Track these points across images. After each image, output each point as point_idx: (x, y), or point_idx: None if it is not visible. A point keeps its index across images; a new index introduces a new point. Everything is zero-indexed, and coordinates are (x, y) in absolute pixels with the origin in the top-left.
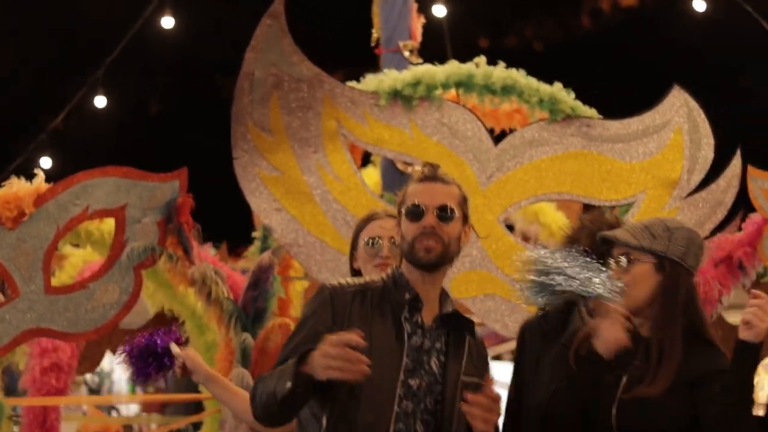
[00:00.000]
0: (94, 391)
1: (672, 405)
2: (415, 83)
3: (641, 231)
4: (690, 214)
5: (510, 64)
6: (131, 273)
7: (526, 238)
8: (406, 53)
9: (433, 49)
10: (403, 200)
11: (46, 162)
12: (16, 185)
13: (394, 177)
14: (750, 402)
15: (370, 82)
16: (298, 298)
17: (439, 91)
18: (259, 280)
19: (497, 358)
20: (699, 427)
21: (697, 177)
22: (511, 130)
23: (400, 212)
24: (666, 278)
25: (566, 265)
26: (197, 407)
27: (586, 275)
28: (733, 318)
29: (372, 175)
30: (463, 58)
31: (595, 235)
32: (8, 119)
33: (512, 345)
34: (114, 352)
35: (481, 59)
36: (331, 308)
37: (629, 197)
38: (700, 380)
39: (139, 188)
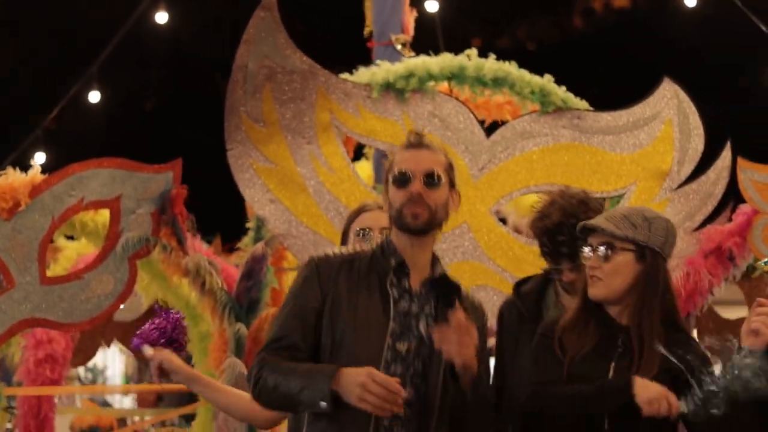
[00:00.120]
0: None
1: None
2: (408, 75)
3: (621, 220)
4: (680, 205)
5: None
6: (126, 263)
7: (518, 231)
8: (399, 47)
9: (425, 42)
10: (390, 168)
11: (40, 157)
12: (12, 176)
13: None
14: (750, 406)
15: (363, 74)
16: None
17: (431, 84)
18: (253, 271)
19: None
20: (685, 418)
21: (688, 169)
22: (503, 122)
23: (387, 180)
24: (647, 268)
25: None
26: (191, 398)
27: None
28: (726, 315)
29: (365, 169)
30: (456, 52)
31: (564, 210)
32: (2, 115)
33: None
34: (108, 344)
35: (473, 51)
36: (317, 280)
37: (620, 189)
38: (681, 370)
39: (133, 179)
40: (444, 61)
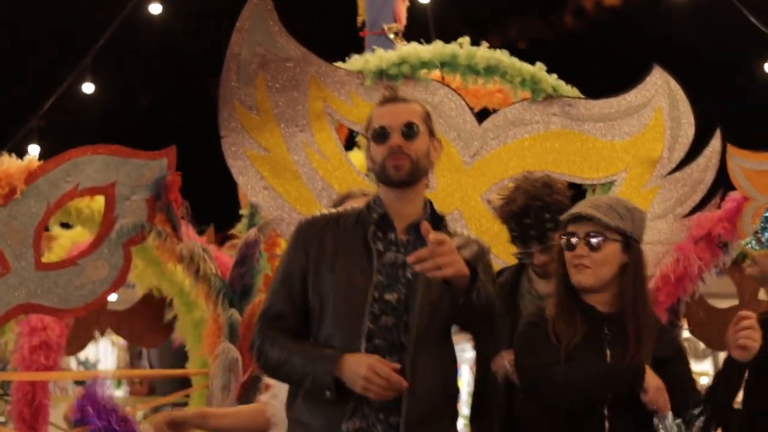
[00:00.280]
0: (80, 381)
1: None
2: (400, 63)
3: (609, 210)
4: (670, 192)
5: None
6: (120, 250)
7: None
8: (391, 36)
9: (417, 32)
10: (368, 125)
11: (34, 149)
12: (8, 163)
13: None
14: (732, 405)
15: (355, 62)
16: None
17: (423, 71)
18: (246, 257)
19: None
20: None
21: (678, 156)
22: (493, 110)
23: (367, 138)
24: (633, 258)
25: None
26: (184, 384)
27: None
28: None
29: (358, 158)
30: (448, 41)
31: (529, 193)
32: None
33: None
34: (102, 333)
35: (465, 39)
36: (301, 243)
37: (610, 176)
38: (666, 359)
39: (128, 166)
40: (436, 48)
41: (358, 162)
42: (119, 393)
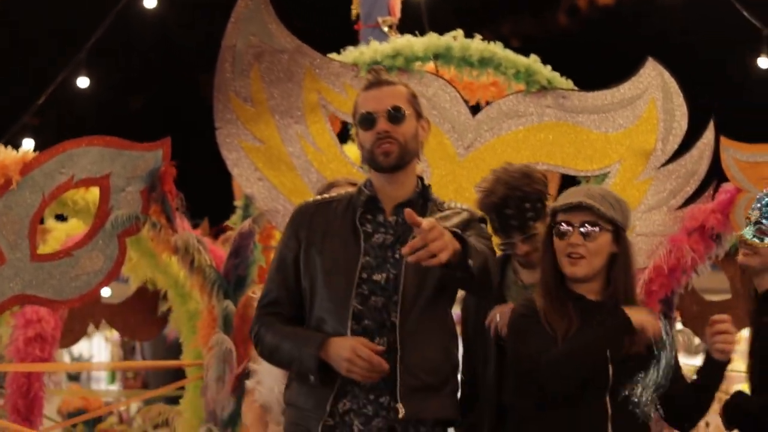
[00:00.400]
0: (74, 377)
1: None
2: (394, 55)
3: (602, 200)
4: (663, 184)
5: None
6: (115, 241)
7: None
8: (385, 29)
9: (411, 25)
10: (355, 111)
11: (28, 143)
12: (3, 153)
13: None
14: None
15: (350, 54)
16: None
17: (417, 64)
18: (240, 248)
19: None
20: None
21: (671, 148)
22: (487, 103)
23: (354, 123)
24: (623, 247)
25: None
26: (178, 378)
27: None
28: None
29: (353, 150)
30: (441, 34)
31: (508, 183)
32: None
33: None
34: (97, 326)
35: (459, 32)
36: (295, 229)
37: (604, 167)
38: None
39: (123, 157)
40: (430, 41)
41: (353, 154)
42: (113, 388)
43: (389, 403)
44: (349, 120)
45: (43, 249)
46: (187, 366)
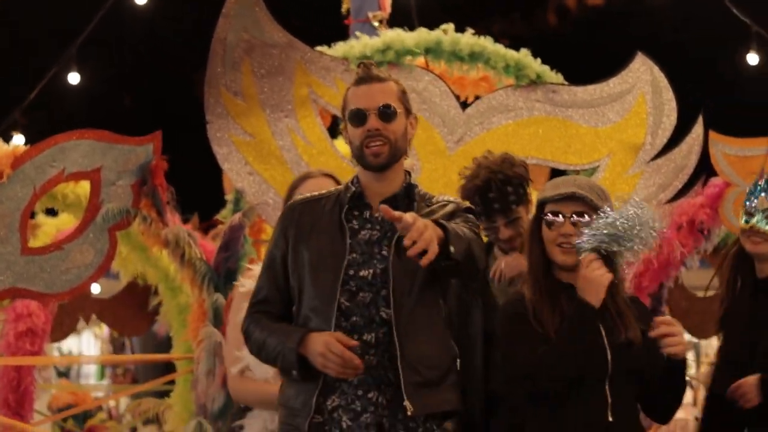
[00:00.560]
0: (63, 373)
1: (646, 346)
2: (385, 49)
3: (591, 189)
4: (653, 178)
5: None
6: (106, 234)
7: None
8: (375, 23)
9: (402, 20)
10: (344, 106)
11: (19, 139)
12: None
13: None
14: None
15: (340, 48)
16: None
17: (408, 58)
18: (231, 241)
19: None
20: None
21: (660, 142)
22: (477, 97)
23: (343, 118)
24: None
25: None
26: (168, 372)
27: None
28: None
29: (343, 145)
30: (431, 28)
31: (490, 168)
32: None
33: None
34: (87, 320)
35: (449, 26)
36: (283, 227)
37: (594, 162)
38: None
39: (114, 151)
40: (420, 35)
41: (343, 148)
42: (102, 383)
43: (377, 399)
44: (339, 114)
45: (34, 243)
46: (177, 359)
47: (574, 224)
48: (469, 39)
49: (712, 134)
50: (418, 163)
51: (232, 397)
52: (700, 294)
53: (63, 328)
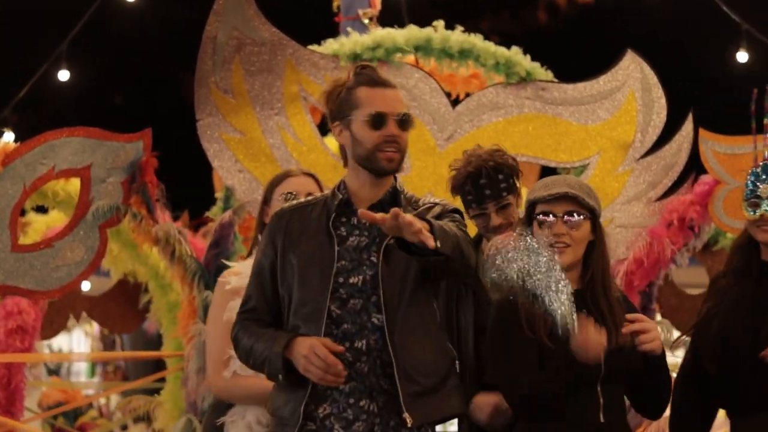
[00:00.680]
0: (53, 371)
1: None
2: (375, 47)
3: (580, 189)
4: (643, 176)
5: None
6: (96, 232)
7: None
8: (366, 21)
9: (392, 17)
10: (356, 104)
11: (8, 137)
12: None
13: None
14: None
15: (330, 45)
16: None
17: (398, 55)
18: (221, 239)
19: None
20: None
21: (650, 140)
22: (467, 95)
23: (345, 116)
24: (599, 235)
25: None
26: (158, 369)
27: (551, 290)
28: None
29: (333, 142)
30: (422, 25)
31: (480, 156)
32: None
33: None
34: (77, 318)
35: (439, 23)
36: (270, 234)
37: (584, 159)
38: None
39: (104, 148)
40: (410, 33)
41: (334, 145)
42: (93, 381)
43: (369, 407)
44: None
45: (24, 241)
46: (168, 357)
47: (566, 223)
48: (459, 36)
49: (702, 132)
50: (408, 160)
51: (215, 394)
52: (690, 291)
53: (53, 325)
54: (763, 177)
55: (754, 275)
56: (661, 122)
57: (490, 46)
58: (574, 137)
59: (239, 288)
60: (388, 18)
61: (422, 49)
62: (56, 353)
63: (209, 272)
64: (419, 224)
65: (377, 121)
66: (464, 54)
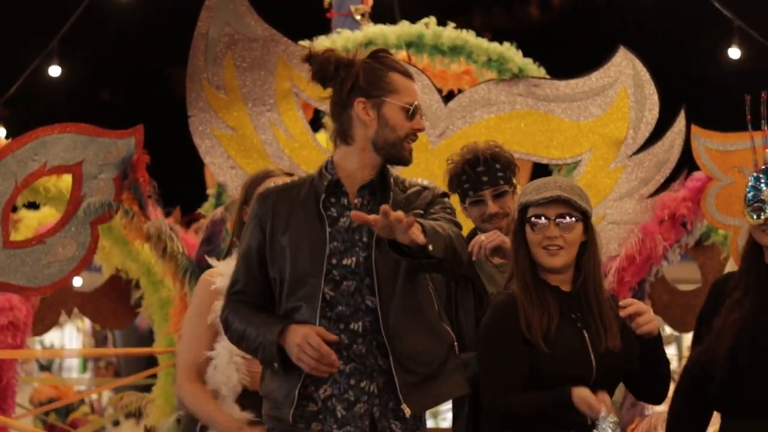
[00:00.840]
0: (45, 367)
1: (626, 349)
2: (367, 43)
3: (572, 191)
4: (635, 172)
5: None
6: (88, 228)
7: None
8: (357, 17)
9: (384, 14)
10: (393, 89)
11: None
12: None
13: None
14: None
15: (322, 42)
16: None
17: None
18: (212, 235)
19: None
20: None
21: (642, 136)
22: (460, 91)
23: (377, 96)
24: (591, 236)
25: None
26: (150, 367)
27: None
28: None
29: (324, 139)
30: (414, 21)
31: (476, 146)
32: None
33: None
34: (69, 314)
35: (431, 20)
36: (256, 216)
37: (576, 156)
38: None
39: (95, 144)
40: (402, 29)
41: (325, 142)
42: (84, 377)
43: (369, 388)
44: (322, 108)
45: (15, 237)
46: (159, 353)
47: (558, 226)
48: (451, 33)
49: (695, 128)
50: None
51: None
52: (682, 287)
53: (45, 321)
54: (766, 180)
55: (761, 277)
56: (653, 119)
57: (482, 42)
58: (566, 134)
59: (224, 288)
60: (379, 14)
61: (414, 45)
62: (48, 349)
63: (201, 269)
64: (408, 220)
65: (414, 112)
66: (456, 50)
